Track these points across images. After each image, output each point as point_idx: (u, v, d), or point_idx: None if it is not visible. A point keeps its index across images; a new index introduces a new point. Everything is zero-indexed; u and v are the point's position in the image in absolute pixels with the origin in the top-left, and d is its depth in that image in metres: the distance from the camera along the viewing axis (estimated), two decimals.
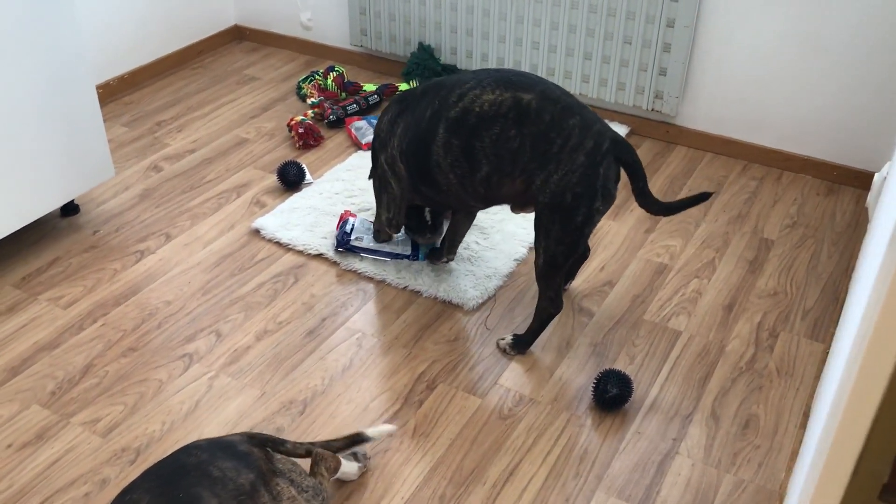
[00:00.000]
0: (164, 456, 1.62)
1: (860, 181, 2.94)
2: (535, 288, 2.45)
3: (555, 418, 2.05)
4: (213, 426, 2.01)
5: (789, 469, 1.90)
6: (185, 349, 2.24)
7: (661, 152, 3.16)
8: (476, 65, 3.42)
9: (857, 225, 2.77)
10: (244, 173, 3.00)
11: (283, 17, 3.89)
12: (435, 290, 2.42)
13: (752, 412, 2.07)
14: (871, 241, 2.14)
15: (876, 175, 2.03)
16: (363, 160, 3.00)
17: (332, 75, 3.48)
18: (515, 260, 2.56)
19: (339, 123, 3.27)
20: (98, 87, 3.24)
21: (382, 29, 3.58)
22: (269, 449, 1.64)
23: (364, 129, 3.16)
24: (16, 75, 2.30)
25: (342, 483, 1.86)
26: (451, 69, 3.47)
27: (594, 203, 2.00)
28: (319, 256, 2.57)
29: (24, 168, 2.41)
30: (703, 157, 3.14)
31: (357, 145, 3.15)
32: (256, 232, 2.69)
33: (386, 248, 2.55)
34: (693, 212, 2.81)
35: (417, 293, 2.43)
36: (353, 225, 2.59)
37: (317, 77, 3.51)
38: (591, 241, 2.65)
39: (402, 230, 2.52)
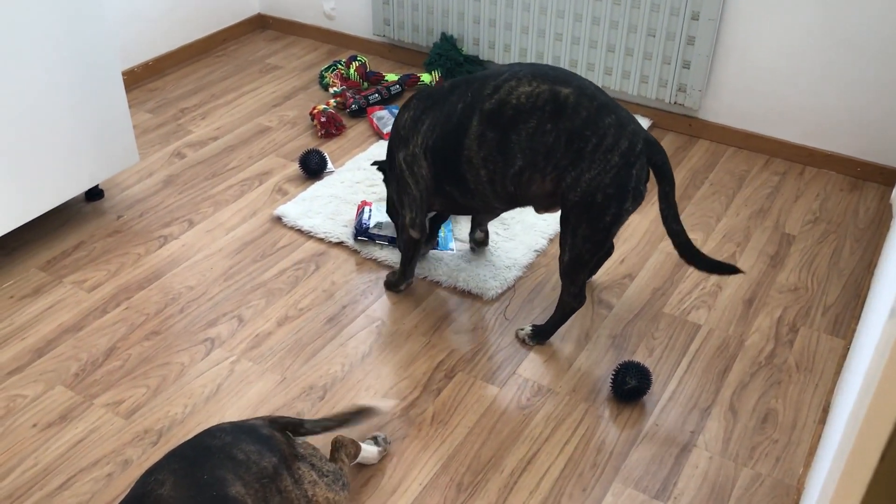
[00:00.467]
0: (187, 438, 1.64)
1: (885, 177, 2.92)
2: (554, 279, 2.46)
3: (573, 409, 2.06)
4: (234, 410, 2.03)
5: (807, 464, 1.90)
6: (207, 333, 2.26)
7: (684, 146, 3.15)
8: (499, 56, 3.42)
9: (881, 221, 2.75)
10: (266, 161, 3.02)
11: (307, 7, 3.90)
12: (454, 280, 2.43)
13: (771, 406, 2.07)
14: (894, 237, 2.12)
15: None
16: (384, 149, 3.01)
17: (354, 65, 3.48)
18: (535, 251, 2.57)
19: (360, 113, 3.28)
20: (123, 74, 3.26)
21: (405, 19, 3.59)
22: (289, 433, 1.65)
23: (386, 118, 3.17)
24: (43, 61, 2.33)
25: (361, 467, 1.88)
26: (474, 60, 3.47)
27: (624, 204, 1.99)
28: (340, 244, 2.59)
29: (50, 153, 2.44)
30: (725, 151, 3.12)
31: (378, 135, 3.16)
32: (278, 219, 2.70)
33: None
34: (714, 205, 2.79)
35: (437, 283, 2.44)
36: (370, 213, 2.60)
37: (339, 66, 3.52)
38: None
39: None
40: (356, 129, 3.22)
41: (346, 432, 1.84)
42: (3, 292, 2.39)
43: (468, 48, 3.49)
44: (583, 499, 1.84)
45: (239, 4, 3.92)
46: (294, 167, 2.97)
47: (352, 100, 3.28)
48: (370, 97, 3.31)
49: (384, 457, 1.91)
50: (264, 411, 2.02)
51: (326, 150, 3.05)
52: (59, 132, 2.44)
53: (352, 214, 2.69)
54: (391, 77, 3.45)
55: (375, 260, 2.52)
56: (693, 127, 3.20)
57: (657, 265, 2.54)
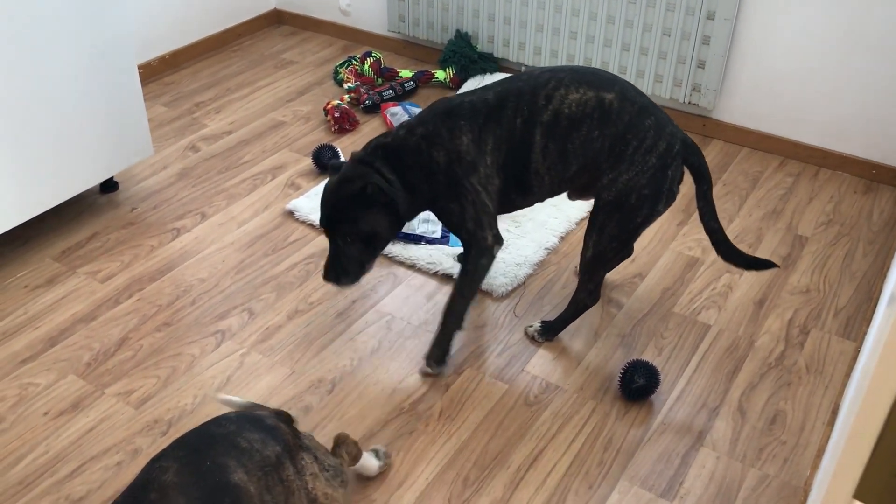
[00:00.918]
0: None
1: None
2: (564, 277, 2.46)
3: (580, 406, 2.06)
4: None
5: (815, 466, 1.89)
6: (217, 326, 2.28)
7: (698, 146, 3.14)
8: (513, 54, 3.42)
9: (895, 224, 2.73)
10: (280, 156, 3.03)
11: (322, 2, 3.92)
12: None
13: (780, 408, 2.06)
14: None
15: None
16: None
17: (368, 61, 3.49)
18: (546, 249, 2.57)
19: (374, 109, 3.29)
20: (140, 67, 3.29)
21: (420, 16, 3.59)
22: (294, 425, 1.66)
23: (399, 115, 3.18)
24: (60, 53, 2.35)
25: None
26: (488, 57, 3.47)
27: (657, 205, 2.02)
28: None
29: (66, 144, 2.46)
30: (739, 152, 3.11)
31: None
32: (290, 213, 2.72)
33: (417, 230, 2.57)
34: (727, 206, 2.79)
35: (447, 278, 2.45)
36: None
37: (354, 62, 3.53)
38: None
39: (425, 224, 2.53)
40: (370, 125, 3.23)
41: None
42: (17, 282, 2.41)
43: (482, 45, 3.49)
44: (589, 496, 1.84)
45: (255, 0, 3.94)
46: (307, 162, 2.98)
47: (366, 96, 3.29)
48: (384, 93, 3.32)
49: (384, 471, 1.91)
50: (273, 404, 2.04)
51: (340, 145, 3.06)
52: (74, 124, 2.46)
53: None
54: (405, 73, 3.46)
55: (386, 255, 2.53)
56: (707, 127, 3.19)
57: (668, 265, 2.53)
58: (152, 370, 2.14)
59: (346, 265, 2.05)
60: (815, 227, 2.71)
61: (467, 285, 2.11)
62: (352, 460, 1.80)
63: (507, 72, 3.43)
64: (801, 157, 3.05)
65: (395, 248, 2.54)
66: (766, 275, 2.49)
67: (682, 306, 2.37)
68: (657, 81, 3.14)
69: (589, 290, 2.15)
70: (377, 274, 2.47)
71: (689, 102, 3.13)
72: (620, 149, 1.98)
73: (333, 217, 2.03)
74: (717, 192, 2.87)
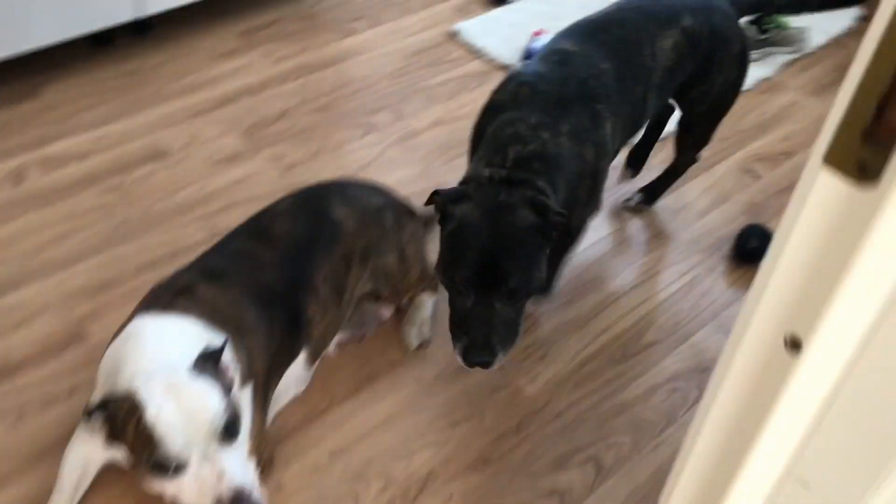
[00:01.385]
0: None
1: None
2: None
3: (688, 256, 2.09)
4: None
5: None
6: (368, 119, 2.45)
7: None
8: None
9: None
10: None
11: None
12: None
13: None
14: None
15: None
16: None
17: None
18: None
19: None
20: None
21: None
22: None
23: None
24: None
25: None
26: None
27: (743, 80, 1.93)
28: (506, 68, 2.67)
29: None
30: None
31: None
32: (455, 34, 2.81)
33: None
34: None
35: None
36: (541, 42, 2.65)
37: None
38: (780, 114, 2.58)
39: None
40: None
41: None
42: (205, 50, 2.67)
43: None
44: (673, 331, 1.91)
45: None
46: None
47: None
48: None
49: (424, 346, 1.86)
50: (401, 193, 2.20)
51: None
52: None
53: (525, 42, 2.75)
54: None
55: None
56: None
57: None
58: (303, 143, 2.34)
59: (504, 335, 1.47)
60: None
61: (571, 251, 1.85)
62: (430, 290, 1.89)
63: None
64: None
65: None
66: None
67: None
68: None
69: (700, 152, 2.10)
70: None
71: None
72: (707, 67, 1.84)
73: (500, 267, 1.43)
74: None
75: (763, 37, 2.75)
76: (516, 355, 1.82)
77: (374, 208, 1.69)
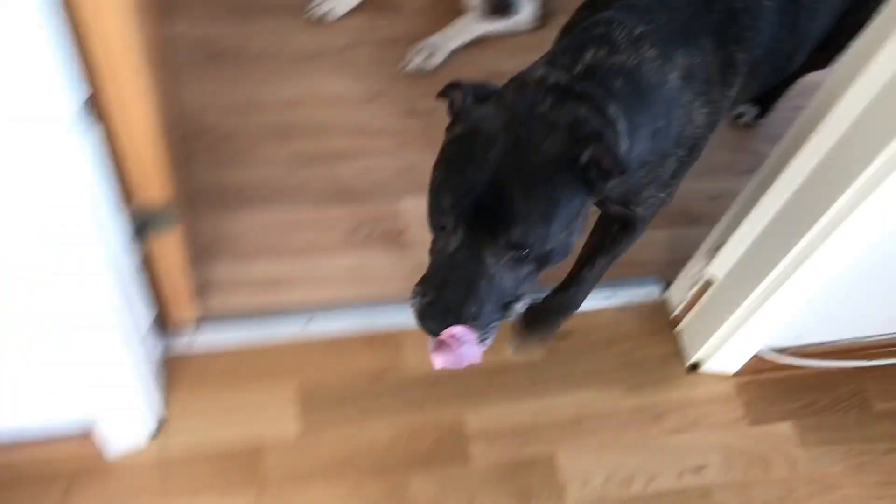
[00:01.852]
0: None
1: None
2: None
3: None
4: None
5: None
6: None
7: None
8: None
9: None
10: None
11: None
12: None
13: None
14: None
15: None
16: None
17: None
18: None
19: None
20: None
21: None
22: None
23: None
24: None
25: None
26: None
27: None
28: None
29: None
30: None
31: None
32: None
33: None
34: None
35: None
36: None
37: None
38: None
39: None
40: None
41: None
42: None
43: None
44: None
45: None
46: None
47: None
48: None
49: None
50: None
51: None
52: None
53: None
54: None
55: None
56: None
57: None
58: None
59: (487, 306, 1.03)
60: None
61: (622, 251, 1.38)
62: None
63: None
64: None
65: None
66: None
67: None
68: None
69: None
70: None
71: None
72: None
73: (505, 204, 0.99)
74: None
75: None
76: None
77: None
